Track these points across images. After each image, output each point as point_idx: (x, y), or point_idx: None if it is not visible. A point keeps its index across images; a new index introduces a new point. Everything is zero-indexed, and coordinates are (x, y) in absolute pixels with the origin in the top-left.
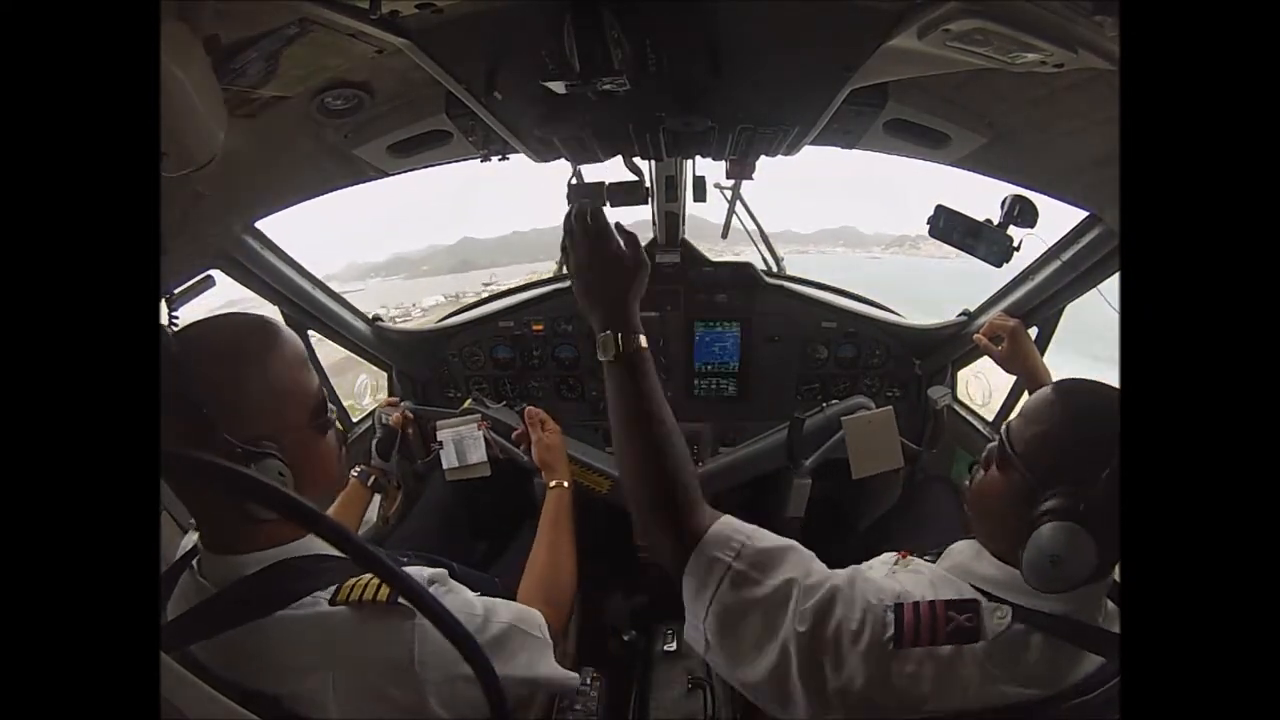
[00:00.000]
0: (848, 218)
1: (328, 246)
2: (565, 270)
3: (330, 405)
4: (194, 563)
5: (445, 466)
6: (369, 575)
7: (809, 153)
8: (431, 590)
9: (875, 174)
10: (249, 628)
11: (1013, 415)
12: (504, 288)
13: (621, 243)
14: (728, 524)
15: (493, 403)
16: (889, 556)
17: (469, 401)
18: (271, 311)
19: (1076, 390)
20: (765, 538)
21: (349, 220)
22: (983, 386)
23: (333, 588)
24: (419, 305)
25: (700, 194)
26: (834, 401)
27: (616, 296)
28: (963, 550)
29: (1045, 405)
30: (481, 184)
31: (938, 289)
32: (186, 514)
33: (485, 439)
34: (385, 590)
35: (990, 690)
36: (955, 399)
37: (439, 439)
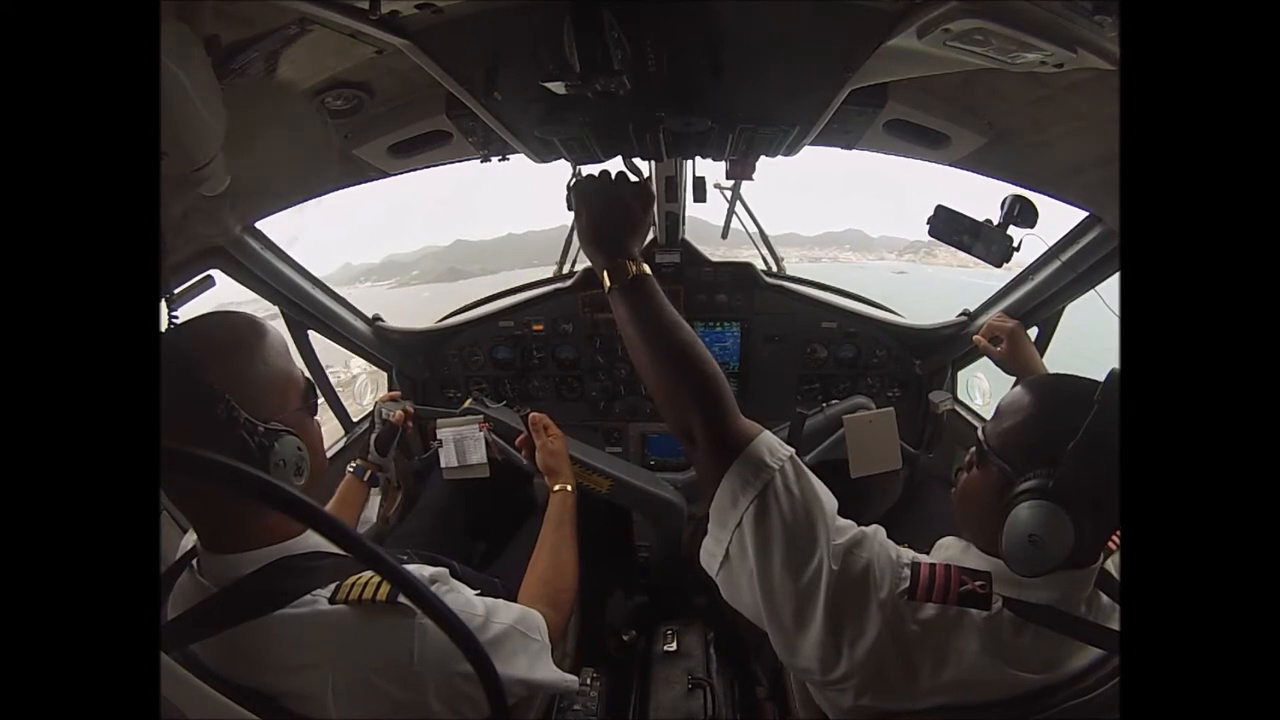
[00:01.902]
0: (853, 221)
1: (327, 246)
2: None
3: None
4: (193, 563)
5: (444, 465)
6: (368, 574)
7: (809, 153)
8: (433, 589)
9: (884, 173)
10: (249, 627)
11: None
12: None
13: (625, 191)
14: (772, 436)
15: (493, 403)
16: None
17: (469, 401)
18: (272, 311)
19: (1043, 382)
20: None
21: (350, 218)
22: (983, 386)
23: (332, 585)
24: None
25: (700, 194)
26: (834, 401)
27: (616, 235)
28: (950, 545)
29: (1015, 400)
30: (477, 185)
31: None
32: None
33: (485, 440)
34: (385, 589)
35: (984, 664)
36: (957, 402)
37: (439, 437)
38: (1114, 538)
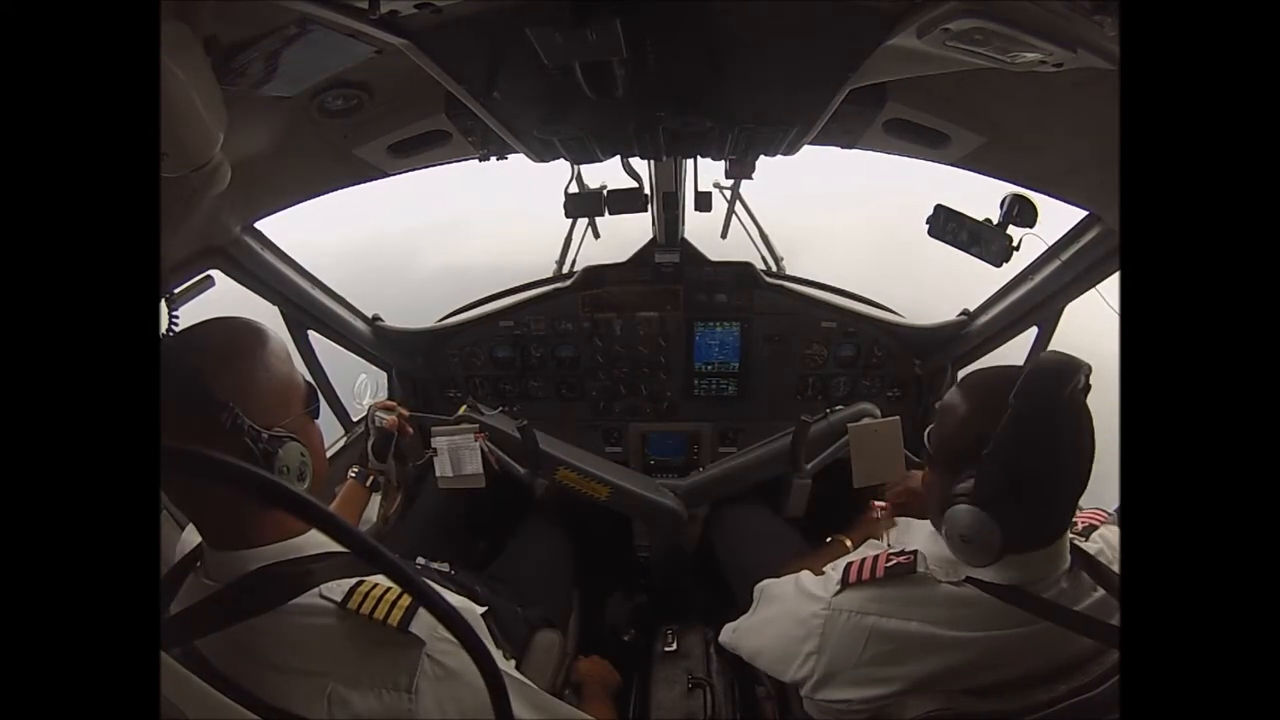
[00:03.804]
0: None
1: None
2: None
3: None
4: (198, 564)
5: (439, 474)
6: (383, 585)
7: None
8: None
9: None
10: (256, 625)
11: None
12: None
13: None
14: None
15: (488, 408)
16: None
17: (464, 408)
18: (271, 311)
19: (970, 383)
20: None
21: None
22: None
23: (344, 587)
24: None
25: (705, 205)
26: (839, 406)
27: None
28: (921, 530)
29: (947, 403)
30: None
31: None
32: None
33: (481, 450)
34: (398, 613)
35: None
36: None
37: (434, 446)
38: (1079, 518)
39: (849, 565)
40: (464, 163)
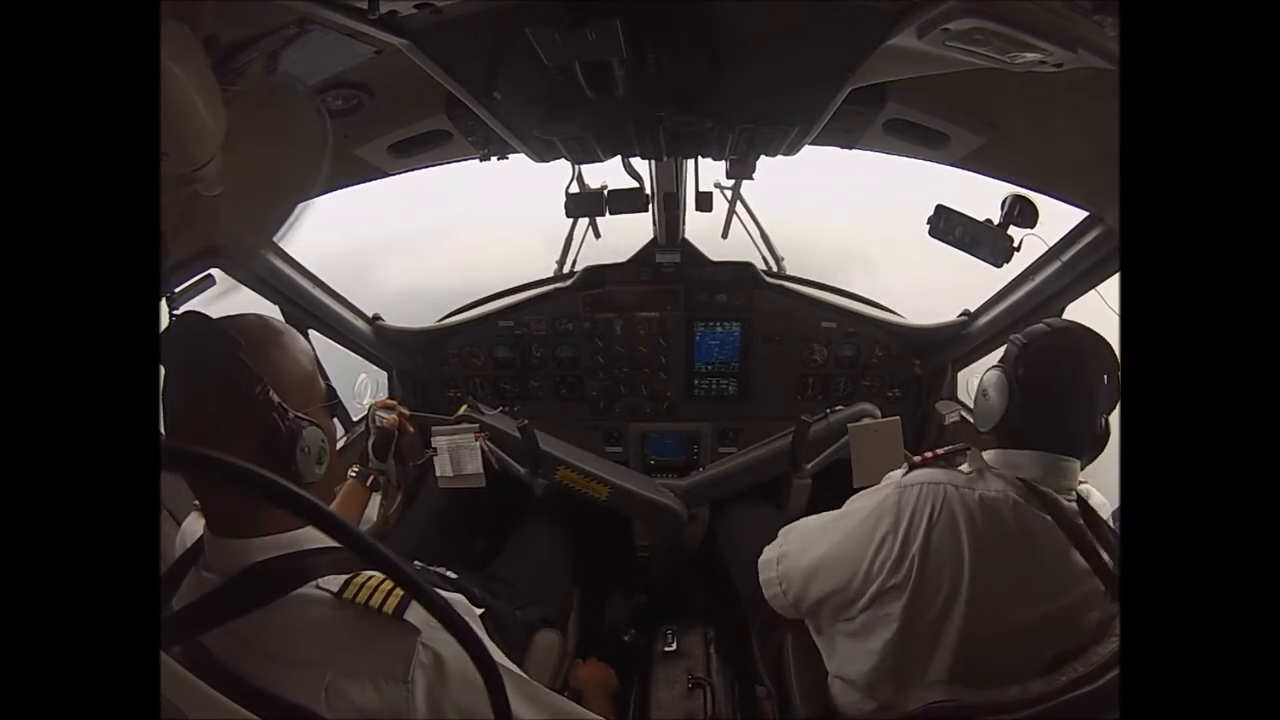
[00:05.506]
0: None
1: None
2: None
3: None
4: (199, 560)
5: (439, 474)
6: (381, 575)
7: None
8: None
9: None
10: (255, 618)
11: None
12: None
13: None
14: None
15: (488, 408)
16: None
17: (464, 408)
18: (272, 310)
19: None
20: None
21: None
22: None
23: (341, 579)
24: None
25: (705, 205)
26: (839, 406)
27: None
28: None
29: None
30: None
31: None
32: (185, 511)
33: (481, 449)
34: (393, 601)
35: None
36: (964, 411)
37: (434, 446)
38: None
39: (909, 459)
40: (445, 166)
